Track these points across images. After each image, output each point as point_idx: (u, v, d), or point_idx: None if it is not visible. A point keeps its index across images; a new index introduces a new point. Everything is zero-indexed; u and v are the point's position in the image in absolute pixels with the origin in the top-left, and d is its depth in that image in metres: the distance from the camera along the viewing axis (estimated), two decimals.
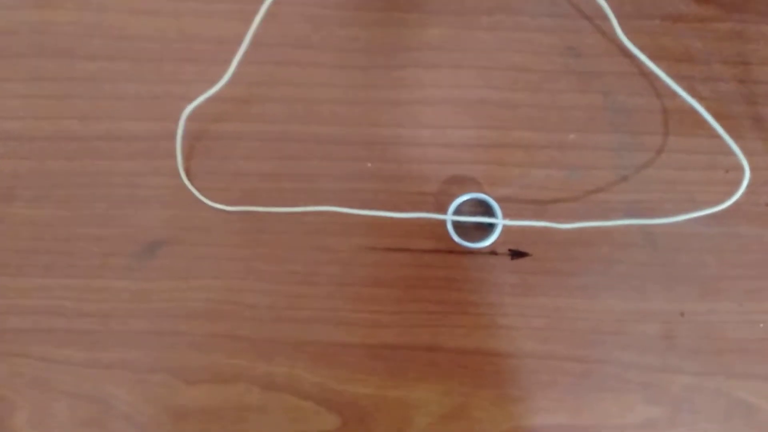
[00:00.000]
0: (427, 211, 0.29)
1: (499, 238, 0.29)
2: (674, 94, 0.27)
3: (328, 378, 0.29)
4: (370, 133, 0.30)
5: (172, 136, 0.29)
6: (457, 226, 0.29)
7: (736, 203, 0.28)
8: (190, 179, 0.30)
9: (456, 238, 0.29)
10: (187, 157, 0.30)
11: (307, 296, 0.30)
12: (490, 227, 0.29)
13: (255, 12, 0.28)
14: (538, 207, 0.29)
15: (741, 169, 0.27)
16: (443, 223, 0.29)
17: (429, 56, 0.30)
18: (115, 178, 0.30)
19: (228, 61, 0.28)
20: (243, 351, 0.30)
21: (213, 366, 0.30)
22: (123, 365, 0.30)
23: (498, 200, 0.29)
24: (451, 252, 0.29)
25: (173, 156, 0.29)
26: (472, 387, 0.29)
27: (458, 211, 0.29)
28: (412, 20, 0.30)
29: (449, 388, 0.29)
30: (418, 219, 0.29)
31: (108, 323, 0.30)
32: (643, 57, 0.27)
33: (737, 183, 0.27)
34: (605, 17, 0.28)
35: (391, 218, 0.29)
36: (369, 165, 0.30)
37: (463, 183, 0.30)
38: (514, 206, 0.29)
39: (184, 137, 0.30)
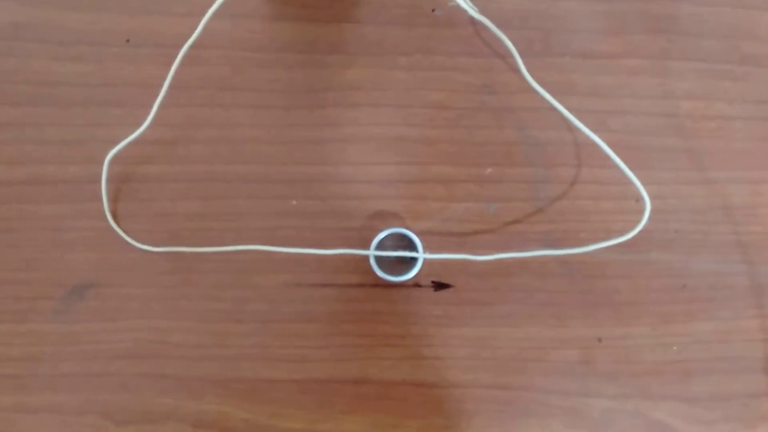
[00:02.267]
0: (352, 246, 0.31)
1: (422, 270, 0.31)
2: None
3: (258, 414, 0.30)
4: (294, 172, 0.31)
5: (98, 179, 0.30)
6: (381, 260, 0.30)
7: (647, 231, 0.30)
8: (116, 221, 0.31)
9: (379, 273, 0.30)
10: (113, 199, 0.31)
11: (235, 334, 0.31)
12: (413, 260, 0.30)
13: (178, 55, 0.29)
14: (459, 239, 0.31)
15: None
16: (367, 257, 0.30)
17: (349, 96, 0.31)
18: (41, 222, 0.31)
19: (152, 104, 0.30)
20: (172, 390, 0.30)
21: (142, 406, 0.30)
22: (51, 408, 0.30)
23: (420, 233, 0.30)
24: (376, 285, 0.31)
25: (99, 199, 0.30)
26: (400, 418, 0.30)
27: (381, 246, 0.30)
28: (332, 61, 0.31)
29: (377, 419, 0.30)
30: (343, 254, 0.30)
31: (36, 367, 0.30)
32: (545, 94, 0.29)
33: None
34: (514, 56, 0.29)
35: (316, 254, 0.30)
36: (294, 203, 0.31)
37: (385, 218, 0.31)
38: (435, 239, 0.31)
39: (110, 180, 0.31)
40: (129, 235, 0.31)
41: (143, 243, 0.31)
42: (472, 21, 0.31)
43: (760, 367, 0.31)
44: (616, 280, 0.31)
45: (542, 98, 0.30)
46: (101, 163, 0.30)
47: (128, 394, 0.30)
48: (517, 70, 0.30)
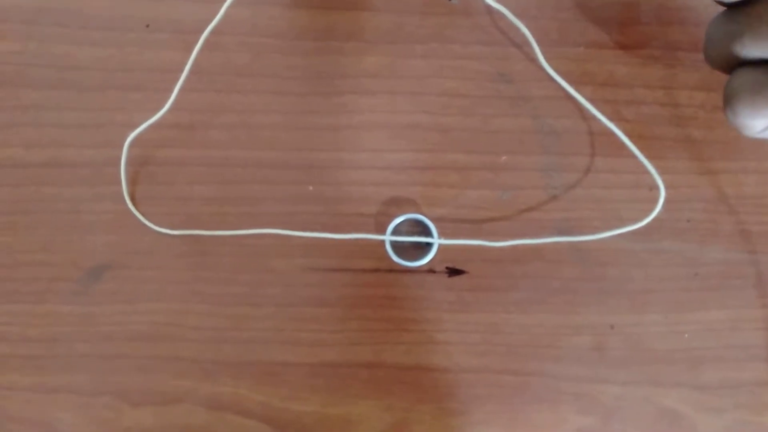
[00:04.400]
0: (367, 231, 0.31)
1: (436, 256, 0.31)
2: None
3: (272, 397, 0.31)
4: (311, 158, 0.32)
5: (117, 163, 0.31)
6: (396, 245, 0.31)
7: (659, 219, 0.31)
8: (134, 204, 0.31)
9: (394, 258, 0.31)
10: (132, 182, 0.31)
11: (251, 317, 0.31)
12: (428, 246, 0.31)
13: (196, 41, 0.30)
14: (473, 226, 0.32)
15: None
16: (382, 243, 0.31)
17: (366, 83, 0.32)
18: (60, 205, 0.31)
19: (171, 89, 0.30)
20: (187, 372, 0.31)
21: (158, 388, 0.31)
22: (68, 389, 0.31)
23: (434, 220, 0.31)
24: (390, 271, 0.31)
25: (118, 182, 0.31)
26: (412, 402, 0.31)
27: (396, 232, 0.31)
28: (349, 49, 0.32)
29: (390, 403, 0.31)
30: (358, 239, 0.31)
31: (53, 348, 0.31)
32: (563, 82, 0.29)
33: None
34: (532, 45, 0.30)
35: (332, 239, 0.31)
36: (310, 188, 0.32)
37: (401, 204, 0.32)
38: (450, 225, 0.32)
39: (129, 163, 0.31)
40: (147, 218, 0.31)
41: (161, 226, 0.31)
42: (489, 10, 0.32)
43: None
44: (629, 268, 0.32)
45: (557, 87, 0.31)
46: (120, 147, 0.31)
47: (144, 375, 0.31)
48: (533, 59, 0.31)
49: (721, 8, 0.26)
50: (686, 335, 0.31)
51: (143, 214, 0.31)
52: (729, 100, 0.24)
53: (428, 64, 0.32)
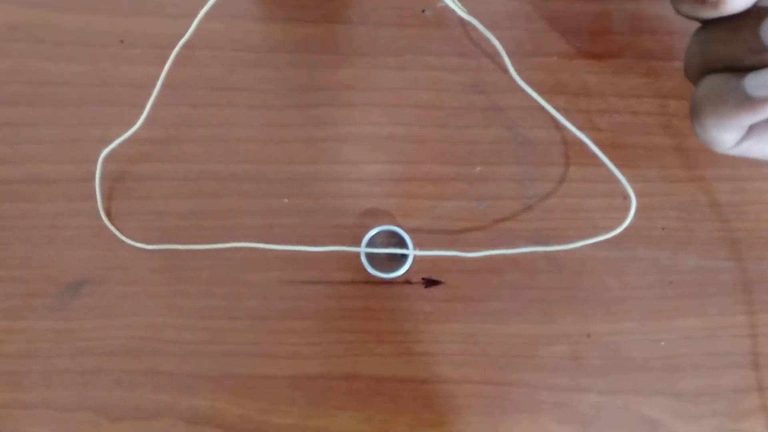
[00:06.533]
0: (344, 244, 0.31)
1: (412, 267, 0.31)
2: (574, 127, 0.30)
3: (251, 410, 0.31)
4: (287, 170, 0.32)
5: (92, 178, 0.31)
6: (372, 257, 0.31)
7: (634, 228, 0.31)
8: (110, 220, 0.31)
9: (370, 270, 0.31)
10: (108, 198, 0.32)
11: (228, 330, 0.31)
12: (403, 257, 0.31)
13: (170, 56, 0.30)
14: (449, 237, 0.32)
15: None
16: (359, 255, 0.31)
17: (341, 95, 0.32)
18: (36, 221, 0.31)
19: (146, 104, 0.30)
20: (166, 386, 0.31)
21: (136, 402, 0.31)
22: (46, 405, 0.31)
23: (411, 231, 0.31)
24: (367, 282, 0.31)
25: (94, 197, 0.31)
26: (391, 413, 0.31)
27: (372, 243, 0.31)
28: (324, 61, 0.32)
29: (369, 415, 0.31)
30: (335, 252, 0.31)
31: (30, 364, 0.31)
32: (533, 93, 0.29)
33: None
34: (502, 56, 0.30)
35: (308, 252, 0.31)
36: (286, 201, 0.32)
37: (377, 216, 0.32)
38: (426, 236, 0.32)
39: (105, 179, 0.31)
40: (123, 233, 0.31)
41: (137, 241, 0.31)
42: (462, 21, 0.32)
43: (747, 363, 0.32)
44: (604, 276, 0.32)
45: (531, 97, 0.31)
46: (95, 162, 0.31)
47: (122, 390, 0.31)
48: (506, 70, 0.31)
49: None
50: (663, 343, 0.32)
51: (119, 229, 0.31)
52: (694, 112, 0.23)
53: (402, 75, 0.32)
